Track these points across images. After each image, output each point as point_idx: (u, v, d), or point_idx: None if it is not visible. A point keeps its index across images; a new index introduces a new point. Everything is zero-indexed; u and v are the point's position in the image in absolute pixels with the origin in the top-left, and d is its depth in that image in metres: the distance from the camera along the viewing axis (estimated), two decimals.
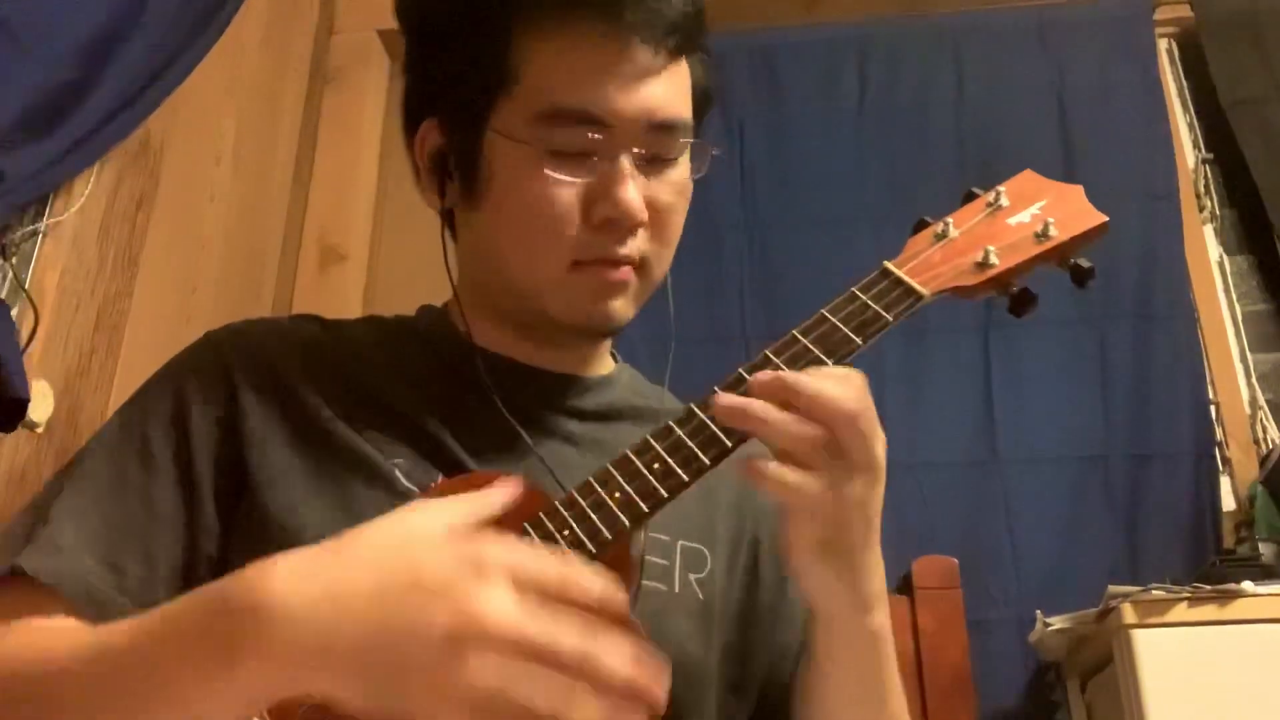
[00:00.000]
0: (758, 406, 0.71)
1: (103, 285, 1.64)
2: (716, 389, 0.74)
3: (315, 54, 2.44)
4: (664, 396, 1.01)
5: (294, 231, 2.33)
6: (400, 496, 0.84)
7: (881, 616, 0.79)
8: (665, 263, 0.94)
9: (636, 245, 0.89)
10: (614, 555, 0.74)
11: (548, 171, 0.87)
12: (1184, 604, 1.64)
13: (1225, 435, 2.18)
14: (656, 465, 0.74)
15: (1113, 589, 1.71)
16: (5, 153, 1.38)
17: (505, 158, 0.89)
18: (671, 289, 0.97)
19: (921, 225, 0.84)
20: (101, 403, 1.61)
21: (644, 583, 0.87)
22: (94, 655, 0.68)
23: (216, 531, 0.86)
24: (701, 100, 0.96)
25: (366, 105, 2.48)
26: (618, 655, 0.59)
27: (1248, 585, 1.64)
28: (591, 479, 0.75)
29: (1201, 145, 2.41)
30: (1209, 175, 2.37)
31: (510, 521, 0.74)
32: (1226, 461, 2.16)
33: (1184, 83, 2.48)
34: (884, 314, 0.77)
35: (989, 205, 0.84)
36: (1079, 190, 0.84)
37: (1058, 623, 1.83)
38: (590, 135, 0.87)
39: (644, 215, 0.88)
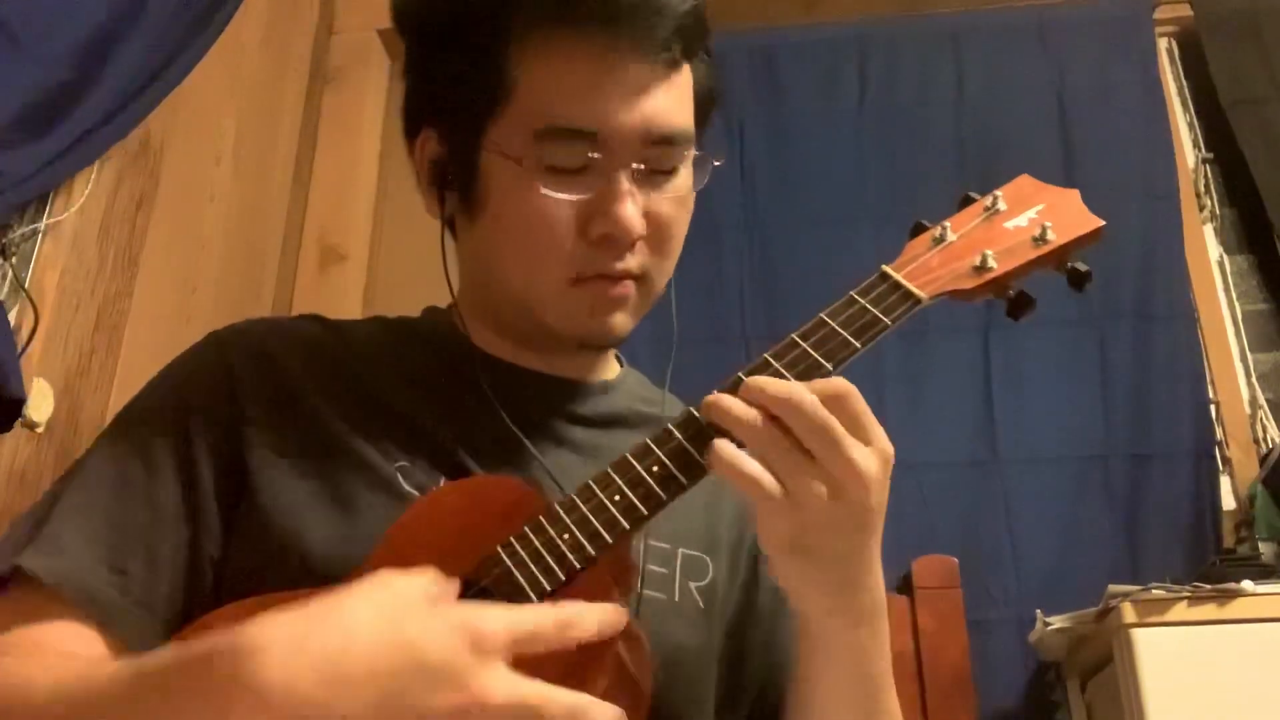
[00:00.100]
0: (727, 400, 0.71)
1: (103, 285, 1.64)
2: (715, 391, 0.74)
3: (315, 54, 2.44)
4: (667, 401, 1.00)
5: (294, 231, 2.33)
6: (401, 500, 0.84)
7: (871, 632, 0.78)
8: (666, 274, 0.93)
9: (636, 259, 0.89)
10: (613, 558, 0.74)
11: (544, 190, 0.85)
12: (1184, 603, 1.64)
13: (1225, 435, 2.18)
14: (656, 469, 0.73)
15: (1113, 588, 1.71)
16: (4, 152, 1.38)
17: (501, 174, 0.88)
18: (674, 293, 0.97)
19: (919, 229, 0.84)
20: (101, 403, 1.61)
21: (644, 592, 0.87)
22: (74, 702, 0.67)
23: (219, 533, 0.85)
24: (704, 104, 0.95)
25: (366, 105, 2.48)
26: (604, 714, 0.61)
27: (1248, 585, 1.64)
28: (591, 482, 0.75)
29: (1201, 145, 2.41)
30: (1209, 175, 2.38)
31: (510, 525, 0.75)
32: (1226, 461, 2.16)
33: (1184, 83, 2.48)
34: (882, 317, 0.77)
35: (986, 209, 0.84)
36: (1075, 194, 0.84)
37: (1058, 622, 1.84)
38: (588, 153, 0.85)
39: (642, 231, 0.87)
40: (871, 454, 0.70)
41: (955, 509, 2.12)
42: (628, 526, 0.73)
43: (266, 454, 0.87)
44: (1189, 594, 1.65)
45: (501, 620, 0.62)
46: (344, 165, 2.42)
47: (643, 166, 0.87)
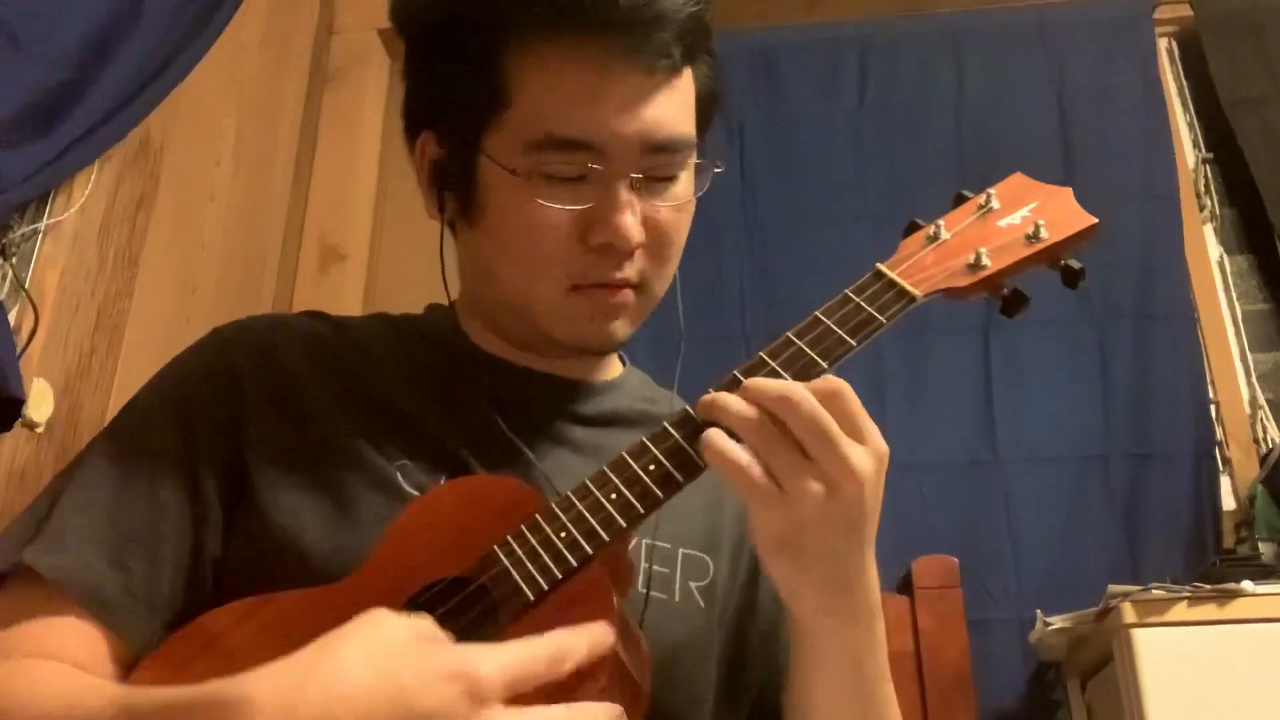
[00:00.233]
0: (724, 398, 0.72)
1: (103, 285, 1.64)
2: (711, 390, 0.74)
3: (315, 54, 2.44)
4: (674, 401, 1.00)
5: (294, 231, 2.33)
6: (401, 499, 0.84)
7: (865, 631, 0.78)
8: (666, 280, 0.93)
9: (635, 267, 0.88)
10: (610, 557, 0.74)
11: (542, 201, 0.85)
12: (1184, 603, 1.64)
13: (1225, 435, 2.18)
14: (653, 468, 0.74)
15: (1113, 588, 1.71)
16: (4, 152, 1.38)
17: (499, 184, 0.87)
18: (680, 294, 0.96)
19: (913, 227, 0.84)
20: (101, 403, 1.61)
21: (649, 593, 0.87)
22: None
23: (220, 531, 0.85)
24: (706, 106, 0.94)
25: (366, 105, 2.48)
26: None
27: (1248, 585, 1.64)
28: (588, 481, 0.75)
29: (1201, 145, 2.41)
30: (1209, 175, 2.38)
31: (508, 524, 0.75)
32: (1226, 461, 2.16)
33: (1184, 83, 2.48)
34: (877, 316, 0.77)
35: (980, 208, 0.84)
36: (1068, 192, 0.84)
37: (1058, 622, 1.84)
38: (586, 163, 0.85)
39: (641, 240, 0.87)
40: (866, 453, 0.70)
41: (955, 509, 2.12)
42: (624, 525, 0.73)
43: (267, 452, 0.87)
44: (1189, 594, 1.65)
45: (495, 663, 0.61)
46: (344, 165, 2.42)
47: (642, 175, 0.86)
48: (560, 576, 0.72)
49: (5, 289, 1.46)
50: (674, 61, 0.86)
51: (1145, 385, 2.18)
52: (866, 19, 2.57)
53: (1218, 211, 2.36)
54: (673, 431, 0.75)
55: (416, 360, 0.96)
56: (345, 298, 2.28)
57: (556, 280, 0.88)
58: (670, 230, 0.90)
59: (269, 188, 2.24)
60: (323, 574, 0.78)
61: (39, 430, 1.46)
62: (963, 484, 2.15)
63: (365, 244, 2.38)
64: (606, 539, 0.73)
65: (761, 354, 0.76)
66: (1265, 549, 1.93)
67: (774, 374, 0.74)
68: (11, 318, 1.42)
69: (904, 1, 2.57)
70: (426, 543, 0.77)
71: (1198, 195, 2.36)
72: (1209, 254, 2.32)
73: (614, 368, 1.04)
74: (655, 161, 0.87)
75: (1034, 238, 0.81)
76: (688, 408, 0.76)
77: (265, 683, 0.60)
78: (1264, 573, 1.72)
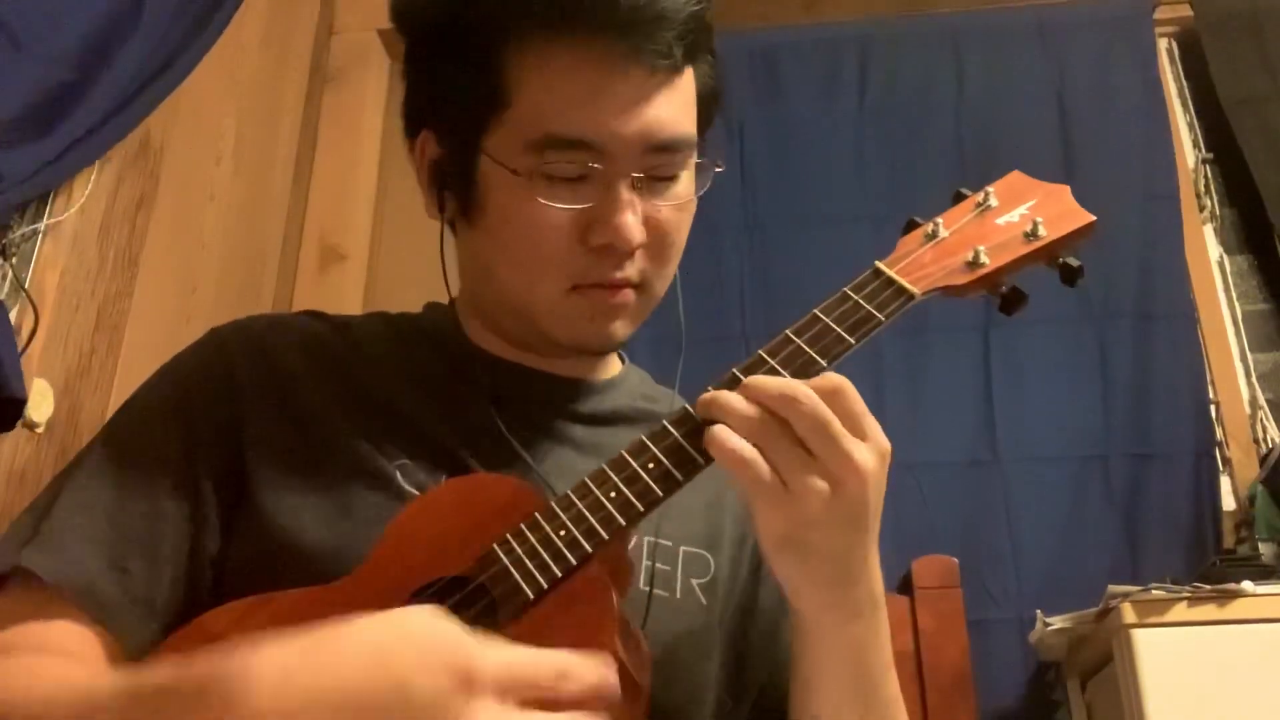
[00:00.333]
0: (725, 397, 0.72)
1: (103, 285, 1.64)
2: (710, 389, 0.74)
3: (315, 54, 2.44)
4: (674, 399, 1.00)
5: (294, 231, 2.33)
6: (401, 499, 0.84)
7: (868, 626, 0.78)
8: (666, 280, 0.93)
9: (635, 267, 0.88)
10: (610, 556, 0.74)
11: (542, 201, 0.85)
12: (1184, 604, 1.64)
13: (1225, 435, 2.18)
14: (652, 466, 0.74)
15: (1113, 589, 1.71)
16: (4, 152, 1.38)
17: (499, 184, 0.87)
18: (680, 293, 0.96)
19: (912, 225, 0.84)
20: (101, 403, 1.61)
21: (652, 591, 0.87)
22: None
23: (219, 531, 0.85)
24: (707, 104, 0.94)
25: (366, 105, 2.48)
26: None
27: (1248, 585, 1.64)
28: (588, 480, 0.75)
29: (1201, 145, 2.41)
30: (1209, 175, 2.38)
31: (508, 523, 0.75)
32: (1226, 461, 2.16)
33: (1184, 83, 2.48)
34: (876, 313, 0.77)
35: (978, 205, 0.84)
36: (1066, 190, 0.85)
37: (1058, 622, 1.84)
38: (587, 163, 0.84)
39: (642, 240, 0.87)
40: (870, 449, 0.71)
41: (955, 509, 2.12)
42: (624, 523, 0.73)
43: (266, 452, 0.87)
44: (1189, 594, 1.65)
45: (495, 661, 0.61)
46: (344, 165, 2.42)
47: (643, 175, 0.86)
48: (560, 575, 0.72)
49: (5, 289, 1.46)
50: (675, 61, 0.86)
51: (1145, 385, 2.18)
52: (866, 19, 2.57)
53: (1218, 211, 2.36)
54: (672, 429, 0.75)
55: (416, 359, 0.96)
56: (345, 298, 2.28)
57: (557, 280, 0.88)
58: (671, 230, 0.90)
59: (269, 188, 2.24)
60: (322, 573, 0.78)
61: (39, 430, 1.46)
62: (963, 484, 2.14)
63: (365, 244, 2.38)
64: (606, 537, 0.73)
65: (760, 352, 0.76)
66: (1265, 549, 1.93)
67: (773, 372, 0.74)
68: (11, 318, 1.42)
69: (904, 1, 2.57)
70: (426, 541, 0.77)
71: (1198, 195, 2.36)
72: (1209, 254, 2.32)
73: (613, 366, 1.04)
74: (656, 161, 0.87)
75: (1032, 235, 0.81)
76: (687, 406, 0.76)
77: (268, 658, 0.61)
78: (1264, 573, 1.72)
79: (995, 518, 2.12)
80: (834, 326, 0.77)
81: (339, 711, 0.59)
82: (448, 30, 0.89)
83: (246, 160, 2.10)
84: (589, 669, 0.63)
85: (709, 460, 0.73)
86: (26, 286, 1.48)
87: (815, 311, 0.78)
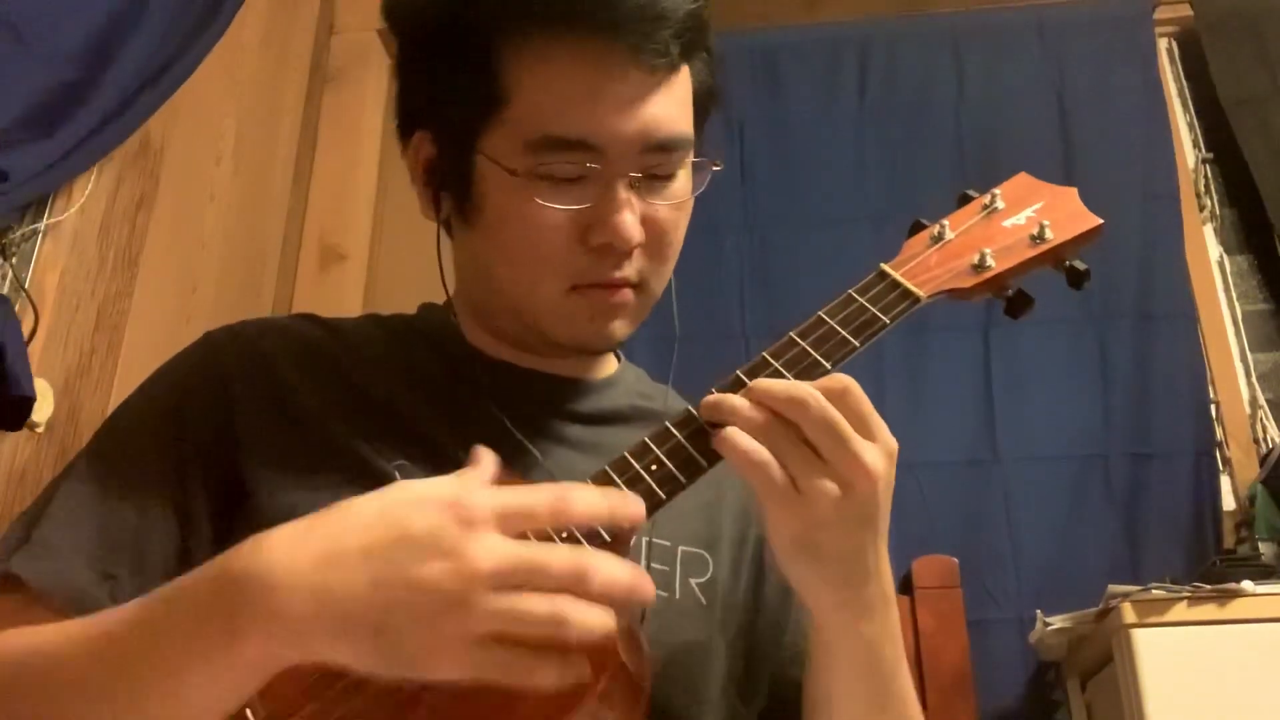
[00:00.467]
0: (731, 400, 0.72)
1: (103, 285, 1.64)
2: (713, 390, 0.74)
3: (315, 54, 2.44)
4: (669, 396, 1.00)
5: (294, 231, 2.33)
6: None
7: (880, 622, 0.78)
8: (664, 278, 0.93)
9: (634, 266, 0.88)
10: None
11: (540, 201, 0.84)
12: (1184, 603, 1.64)
13: (1225, 435, 2.18)
14: (655, 468, 0.73)
15: (1113, 589, 1.71)
16: (10, 151, 1.38)
17: (496, 185, 0.87)
18: (675, 291, 0.96)
19: (918, 227, 0.84)
20: (101, 403, 1.61)
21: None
22: (90, 641, 0.68)
23: (209, 538, 0.85)
24: (704, 102, 0.93)
25: (366, 105, 2.48)
26: (607, 562, 0.61)
27: (1248, 585, 1.64)
28: (590, 481, 0.74)
29: (1201, 145, 2.42)
30: (1209, 175, 2.38)
31: None
32: (1226, 461, 2.16)
33: (1184, 83, 2.48)
34: (881, 316, 0.77)
35: (984, 208, 0.84)
36: (1073, 193, 0.84)
37: (1058, 622, 1.84)
38: (585, 163, 0.84)
39: (641, 240, 0.87)
40: (878, 450, 0.71)
41: (955, 509, 2.12)
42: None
43: (262, 457, 0.86)
44: (1189, 594, 1.65)
45: (490, 495, 0.62)
46: (344, 165, 2.41)
47: (640, 174, 0.86)
48: None
49: (5, 289, 1.46)
50: (672, 60, 0.85)
51: (1145, 385, 2.18)
52: (866, 19, 2.57)
53: (1218, 211, 2.36)
54: (675, 431, 0.74)
55: (412, 360, 0.96)
56: (345, 298, 2.28)
57: (556, 281, 0.88)
58: (669, 229, 0.90)
59: (269, 188, 2.24)
60: None
61: (39, 430, 1.46)
62: (963, 484, 2.15)
63: (365, 244, 2.37)
64: (608, 539, 0.72)
65: (764, 354, 0.76)
66: (1265, 549, 1.93)
67: (777, 374, 0.74)
68: None
69: (904, 1, 2.58)
70: None
71: (1198, 195, 2.37)
72: (1209, 254, 2.33)
73: (609, 365, 1.04)
74: (654, 160, 0.87)
75: (1039, 239, 0.81)
76: (690, 407, 0.75)
77: (282, 528, 0.63)
78: (1264, 573, 1.72)
79: (995, 518, 2.12)
80: (838, 329, 0.77)
81: (345, 556, 0.60)
82: (444, 30, 0.89)
83: (246, 160, 2.10)
84: (585, 496, 0.63)
85: (712, 462, 0.73)
86: (26, 286, 1.48)
87: (820, 314, 0.78)
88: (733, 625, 0.94)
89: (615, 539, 0.73)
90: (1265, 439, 2.15)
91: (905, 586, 1.37)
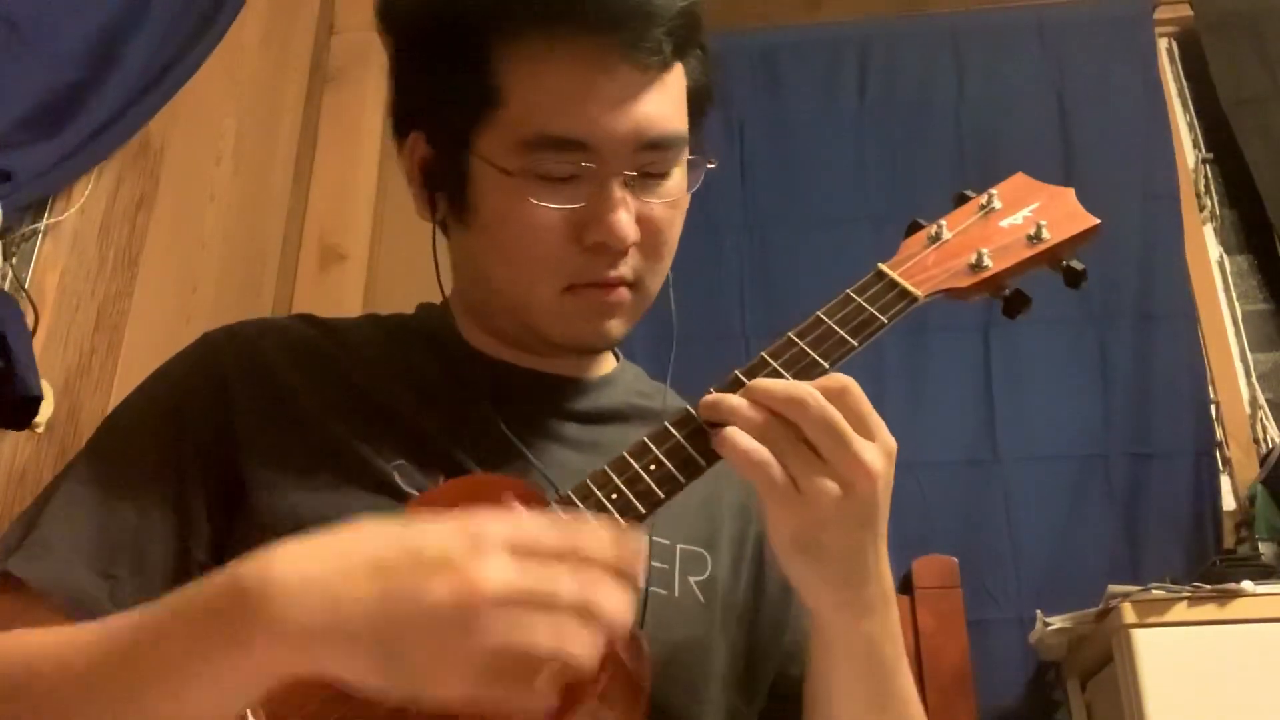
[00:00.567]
0: (730, 400, 0.72)
1: (103, 285, 1.64)
2: (712, 390, 0.74)
3: (315, 54, 2.44)
4: (666, 395, 1.01)
5: (294, 231, 2.33)
6: (399, 499, 0.84)
7: (880, 621, 0.78)
8: (660, 277, 0.93)
9: (629, 265, 0.88)
10: None
11: (535, 201, 0.85)
12: (1184, 603, 1.65)
13: (1225, 435, 2.18)
14: (654, 468, 0.74)
15: (1113, 589, 1.71)
16: (14, 151, 1.38)
17: (491, 185, 0.87)
18: (672, 289, 0.96)
19: (915, 227, 0.84)
20: (101, 403, 1.61)
21: (650, 589, 0.87)
22: (94, 642, 0.67)
23: (208, 538, 0.85)
24: (698, 100, 0.93)
25: (366, 105, 2.48)
26: (612, 597, 0.60)
27: (1248, 585, 1.65)
28: (589, 481, 0.75)
29: (1201, 145, 2.42)
30: (1209, 175, 2.38)
31: None
32: (1226, 461, 2.16)
33: (1184, 83, 2.48)
34: (879, 316, 0.77)
35: (982, 208, 0.85)
36: (1070, 193, 0.85)
37: (1058, 622, 1.84)
38: (579, 162, 0.84)
39: (636, 239, 0.87)
40: (878, 450, 0.71)
41: (955, 509, 2.12)
42: (626, 524, 0.73)
43: (261, 456, 0.86)
44: (1189, 594, 1.65)
45: (505, 523, 0.62)
46: (344, 165, 2.41)
47: (635, 173, 0.86)
48: None
49: (5, 289, 1.46)
50: (665, 58, 0.85)
51: (1145, 385, 2.18)
52: (866, 19, 2.57)
53: (1218, 211, 2.36)
54: (674, 431, 0.75)
55: (410, 360, 0.96)
56: (345, 298, 2.28)
57: (552, 281, 0.88)
58: (664, 227, 0.90)
59: (269, 188, 2.24)
60: None
61: (39, 430, 1.46)
62: (963, 484, 2.15)
63: (365, 244, 2.37)
64: None
65: (763, 354, 0.76)
66: (1265, 549, 1.93)
67: (775, 374, 0.75)
68: None
69: (904, 1, 2.58)
70: None
71: (1198, 195, 2.37)
72: (1209, 254, 2.33)
73: (607, 363, 1.04)
74: (648, 159, 0.87)
75: (1036, 238, 0.81)
76: (689, 407, 0.76)
77: (290, 543, 0.62)
78: (1264, 573, 1.72)
79: (995, 517, 2.12)
80: (837, 329, 0.77)
81: (354, 574, 0.60)
82: (438, 30, 0.89)
83: (246, 160, 2.10)
84: (596, 540, 0.62)
85: (711, 462, 0.73)
86: (26, 286, 1.48)
87: (818, 314, 0.78)
88: (732, 623, 0.94)
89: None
90: (1265, 439, 2.15)
91: (905, 586, 1.37)
